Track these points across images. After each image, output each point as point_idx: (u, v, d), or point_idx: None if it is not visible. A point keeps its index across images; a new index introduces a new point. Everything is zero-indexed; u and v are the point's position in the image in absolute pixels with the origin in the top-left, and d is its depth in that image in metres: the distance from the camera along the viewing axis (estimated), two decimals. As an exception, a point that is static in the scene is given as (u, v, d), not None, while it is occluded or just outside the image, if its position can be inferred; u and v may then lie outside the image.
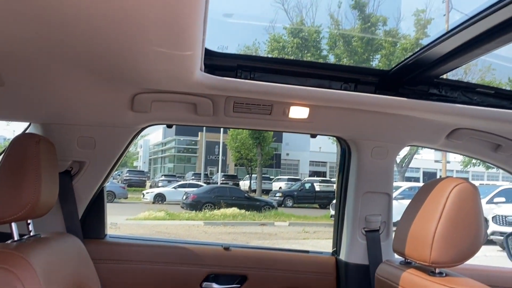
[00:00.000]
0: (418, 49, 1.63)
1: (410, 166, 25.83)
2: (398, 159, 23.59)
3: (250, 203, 19.25)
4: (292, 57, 18.12)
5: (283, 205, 22.03)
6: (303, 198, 23.53)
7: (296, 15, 18.88)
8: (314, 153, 38.03)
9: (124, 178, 30.17)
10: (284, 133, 34.00)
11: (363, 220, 2.15)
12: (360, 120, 2.01)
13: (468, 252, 1.44)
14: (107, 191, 2.27)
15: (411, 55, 1.67)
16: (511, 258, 2.46)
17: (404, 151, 23.80)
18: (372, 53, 18.86)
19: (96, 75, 1.65)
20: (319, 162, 39.96)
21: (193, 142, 42.18)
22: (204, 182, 28.52)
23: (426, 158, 31.65)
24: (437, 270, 1.43)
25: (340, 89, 1.79)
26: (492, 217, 11.80)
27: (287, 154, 39.06)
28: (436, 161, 26.78)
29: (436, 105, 1.78)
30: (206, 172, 34.63)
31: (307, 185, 24.73)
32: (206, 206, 18.70)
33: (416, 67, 1.69)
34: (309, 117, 1.96)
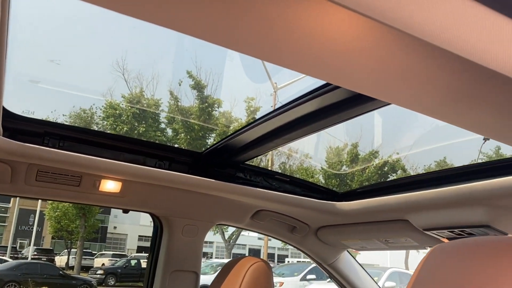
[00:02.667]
0: (228, 134, 1.80)
1: (237, 242, 26.73)
2: (226, 236, 24.24)
3: (65, 282, 17.17)
4: (127, 126, 17.80)
5: (104, 284, 20.17)
6: (127, 275, 21.98)
7: (136, 86, 18.95)
8: (145, 227, 36.52)
9: None
10: (113, 204, 32.05)
11: None
12: (173, 198, 2.05)
13: None
14: None
15: (221, 140, 1.83)
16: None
17: (232, 227, 24.70)
18: (208, 132, 19.82)
19: None
20: (149, 237, 38.40)
21: (2, 209, 36.57)
22: (11, 257, 24.54)
23: (252, 235, 33.31)
24: None
25: (154, 166, 1.82)
26: (304, 293, 12.78)
27: (115, 228, 36.69)
28: (259, 239, 28.41)
29: (241, 188, 1.94)
30: (15, 245, 29.98)
31: (133, 262, 23.33)
32: (8, 285, 15.96)
33: (225, 151, 1.85)
34: (122, 192, 1.92)
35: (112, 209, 33.51)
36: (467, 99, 0.83)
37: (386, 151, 18.24)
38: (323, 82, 1.27)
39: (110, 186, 1.88)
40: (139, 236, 37.52)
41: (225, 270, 1.73)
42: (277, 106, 1.50)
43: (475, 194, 1.46)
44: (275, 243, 32.30)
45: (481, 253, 0.80)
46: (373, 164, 18.56)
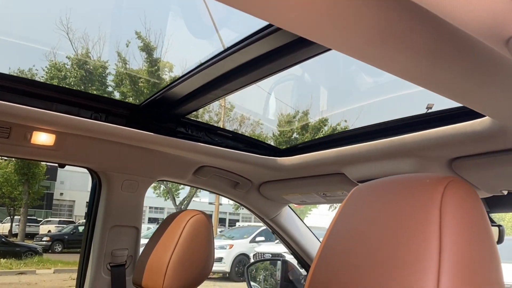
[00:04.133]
0: (164, 86, 1.74)
1: (188, 208, 26.78)
2: (177, 201, 24.20)
3: (8, 249, 16.62)
4: (74, 88, 16.98)
5: (50, 251, 19.72)
6: (75, 242, 21.53)
7: (82, 46, 17.98)
8: (93, 193, 35.61)
9: None
10: (59, 171, 30.99)
11: (109, 255, 2.09)
12: (111, 152, 1.99)
13: (198, 278, 1.55)
14: None
15: (158, 91, 1.77)
16: (249, 286, 2.76)
17: (184, 193, 24.66)
18: (159, 96, 19.29)
19: None
20: (97, 203, 37.53)
21: None
22: None
23: (203, 201, 33.47)
24: None
25: (90, 118, 1.75)
26: (253, 255, 13.16)
27: (61, 194, 35.60)
28: (210, 203, 28.58)
29: (183, 142, 1.91)
30: (-48, 213, 28.45)
31: (81, 228, 22.85)
32: None
33: (163, 103, 1.80)
34: (56, 145, 1.84)
35: (58, 176, 32.39)
36: (394, 40, 0.84)
37: (335, 119, 18.66)
38: (260, 27, 1.24)
39: (42, 138, 1.79)
40: (87, 202, 36.67)
41: (165, 223, 1.71)
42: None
43: (405, 146, 1.53)
44: (226, 208, 32.70)
45: (397, 190, 0.83)
46: (322, 132, 18.97)
